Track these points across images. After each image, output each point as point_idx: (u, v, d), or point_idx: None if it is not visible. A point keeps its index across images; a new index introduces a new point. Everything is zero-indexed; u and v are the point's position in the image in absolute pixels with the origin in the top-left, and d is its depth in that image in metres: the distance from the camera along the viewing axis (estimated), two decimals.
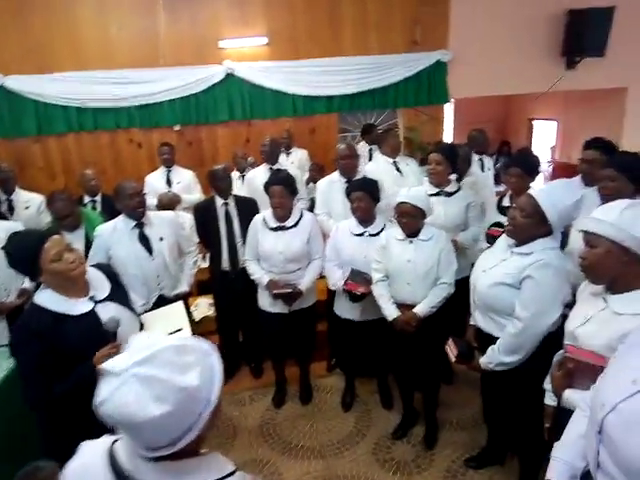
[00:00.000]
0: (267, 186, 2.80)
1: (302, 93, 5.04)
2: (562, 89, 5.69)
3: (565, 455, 1.25)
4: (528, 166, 2.66)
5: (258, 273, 2.90)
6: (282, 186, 2.74)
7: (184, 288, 2.88)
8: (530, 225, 1.92)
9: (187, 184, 4.30)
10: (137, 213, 2.65)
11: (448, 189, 2.92)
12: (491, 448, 2.58)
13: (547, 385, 1.75)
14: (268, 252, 2.83)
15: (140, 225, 2.68)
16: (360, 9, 4.98)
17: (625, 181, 2.28)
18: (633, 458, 1.01)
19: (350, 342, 2.94)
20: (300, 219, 2.85)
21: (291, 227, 2.82)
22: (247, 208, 3.14)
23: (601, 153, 2.63)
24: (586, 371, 1.48)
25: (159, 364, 0.81)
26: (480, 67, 5.25)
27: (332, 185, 3.32)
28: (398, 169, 3.72)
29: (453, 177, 3.08)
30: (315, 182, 3.98)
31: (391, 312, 2.52)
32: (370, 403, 3.17)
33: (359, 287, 2.63)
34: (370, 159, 4.48)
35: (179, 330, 2.07)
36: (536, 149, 7.86)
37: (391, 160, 3.74)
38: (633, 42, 5.38)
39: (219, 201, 3.17)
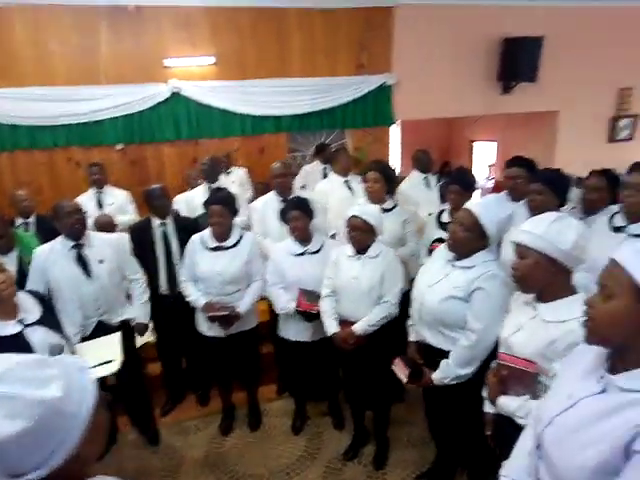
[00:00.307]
0: (206, 205, 2.73)
1: (251, 113, 5.04)
2: (500, 112, 6.02)
3: (512, 472, 1.25)
4: (466, 183, 2.76)
5: (194, 295, 2.78)
6: (221, 205, 2.67)
7: (131, 315, 2.74)
8: (471, 239, 1.97)
9: (120, 205, 4.12)
10: (75, 231, 2.52)
11: (385, 206, 2.96)
12: (440, 464, 2.57)
13: (485, 392, 1.78)
14: (205, 273, 2.73)
15: (78, 246, 2.55)
16: (307, 33, 5.08)
17: (551, 194, 2.44)
18: (565, 472, 1.02)
19: (298, 365, 2.87)
20: (240, 239, 2.78)
21: (230, 247, 2.74)
22: (187, 228, 3.01)
23: (524, 170, 2.79)
24: (519, 377, 1.53)
25: (9, 381, 0.76)
26: (423, 90, 5.48)
27: (267, 204, 3.29)
28: (350, 187, 3.76)
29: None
30: None
31: (331, 327, 2.50)
32: (322, 425, 3.10)
33: (314, 306, 2.59)
34: (324, 178, 4.51)
35: (108, 362, 1.99)
36: (476, 169, 8.25)
37: (343, 179, 3.78)
38: (561, 69, 5.80)
39: (156, 221, 3.05)
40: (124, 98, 4.62)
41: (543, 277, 1.51)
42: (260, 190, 4.39)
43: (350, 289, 2.47)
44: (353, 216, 2.43)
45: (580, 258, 1.51)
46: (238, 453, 2.89)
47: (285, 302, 2.69)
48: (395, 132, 7.89)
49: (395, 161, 7.00)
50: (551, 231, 1.49)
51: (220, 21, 4.83)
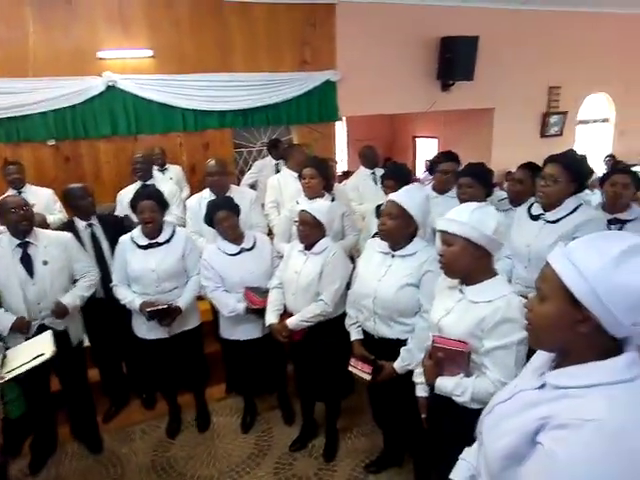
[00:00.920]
0: (134, 202, 2.62)
1: (193, 108, 4.90)
2: (440, 109, 6.23)
3: (468, 456, 1.28)
4: (401, 177, 2.85)
5: (129, 297, 2.66)
6: (152, 200, 2.59)
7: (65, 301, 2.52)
8: (401, 226, 2.05)
9: (45, 204, 3.83)
10: (20, 228, 2.41)
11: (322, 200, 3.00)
12: (388, 451, 2.64)
13: (416, 378, 1.86)
14: (139, 272, 2.63)
15: (25, 244, 2.42)
16: (248, 28, 5.01)
17: (479, 187, 2.60)
18: (489, 456, 1.05)
19: (245, 362, 2.83)
20: (173, 235, 2.70)
21: (163, 243, 2.67)
22: (115, 227, 2.89)
23: (453, 163, 2.99)
24: (453, 358, 1.60)
25: None
26: (366, 87, 5.56)
27: (202, 202, 3.16)
28: None
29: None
30: None
31: (269, 318, 2.53)
32: (272, 420, 3.08)
33: (266, 301, 2.58)
34: (277, 173, 4.47)
35: (41, 355, 1.92)
36: (419, 164, 8.52)
37: (296, 174, 3.77)
38: (495, 68, 6.09)
39: (80, 223, 2.90)
40: (55, 91, 4.34)
41: (469, 262, 1.60)
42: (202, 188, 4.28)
43: (292, 283, 2.49)
44: (302, 211, 2.44)
45: (500, 242, 1.61)
46: (186, 455, 2.82)
47: (233, 304, 2.64)
48: (341, 128, 7.98)
49: (342, 157, 7.07)
50: (474, 218, 1.57)
51: (157, 13, 4.66)
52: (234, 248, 2.68)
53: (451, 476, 1.26)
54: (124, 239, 2.70)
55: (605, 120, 7.72)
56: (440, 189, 3.04)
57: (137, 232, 2.68)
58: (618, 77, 7.21)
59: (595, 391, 0.87)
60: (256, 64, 5.10)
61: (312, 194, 3.00)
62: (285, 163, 3.95)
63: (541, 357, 1.09)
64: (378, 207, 3.04)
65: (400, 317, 2.09)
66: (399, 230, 2.06)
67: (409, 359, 2.06)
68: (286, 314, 2.53)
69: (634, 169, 3.01)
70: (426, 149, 8.49)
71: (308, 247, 2.49)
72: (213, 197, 3.09)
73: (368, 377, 2.12)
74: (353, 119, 7.72)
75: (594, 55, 6.85)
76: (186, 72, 4.83)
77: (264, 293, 2.60)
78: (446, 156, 3.09)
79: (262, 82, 5.08)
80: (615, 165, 6.59)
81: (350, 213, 3.23)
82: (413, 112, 6.16)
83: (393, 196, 2.09)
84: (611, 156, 7.19)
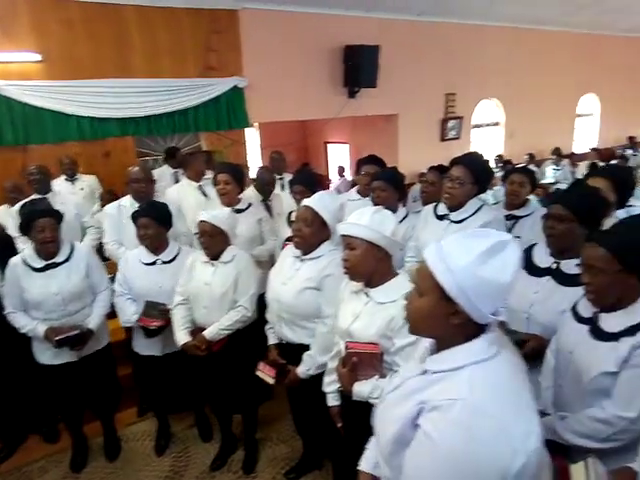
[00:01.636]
0: (28, 221, 2.36)
1: (90, 115, 4.61)
2: (348, 115, 6.43)
3: (373, 444, 1.31)
4: (309, 182, 2.90)
5: (29, 325, 2.43)
6: (49, 217, 2.39)
7: None
8: (314, 232, 2.06)
9: None
10: None
11: (239, 206, 2.97)
12: (308, 455, 2.65)
13: (326, 388, 1.88)
14: (39, 297, 2.40)
15: None
16: (148, 32, 4.82)
17: (392, 191, 2.68)
18: (382, 443, 1.10)
19: (157, 379, 2.71)
20: (72, 251, 2.52)
21: (63, 262, 2.47)
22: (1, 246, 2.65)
23: (376, 166, 3.05)
24: (367, 361, 1.61)
25: None
26: (275, 94, 5.59)
27: (123, 210, 3.05)
28: (204, 193, 3.66)
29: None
30: None
31: (180, 337, 2.42)
32: (189, 439, 2.97)
33: (153, 321, 2.45)
34: (176, 183, 4.31)
35: None
36: (332, 169, 8.73)
37: (196, 184, 3.66)
38: (396, 76, 6.41)
39: None
40: None
41: (371, 264, 1.65)
42: (106, 199, 4.04)
43: (203, 295, 2.40)
44: (202, 221, 2.37)
45: (399, 243, 1.68)
46: None
47: (130, 314, 2.52)
48: (253, 134, 7.94)
49: (255, 163, 7.03)
50: (374, 221, 1.63)
51: (45, 14, 4.33)
52: (150, 257, 2.57)
53: (359, 467, 1.31)
54: (15, 262, 2.44)
55: (496, 124, 8.46)
56: (364, 193, 3.10)
57: (29, 253, 2.44)
58: (506, 84, 7.92)
59: (462, 372, 0.96)
60: (158, 69, 4.92)
61: (227, 200, 2.94)
62: (183, 172, 3.80)
63: (423, 345, 1.17)
64: (289, 214, 3.06)
65: (302, 321, 2.11)
66: (313, 236, 2.07)
67: (310, 364, 2.08)
68: (197, 330, 2.45)
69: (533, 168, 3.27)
70: (338, 155, 8.71)
71: (214, 257, 2.43)
72: (135, 204, 2.95)
73: (271, 381, 2.13)
74: (266, 125, 7.72)
75: (485, 64, 7.48)
76: (81, 77, 4.53)
77: (162, 312, 2.47)
78: (369, 160, 3.16)
79: (165, 88, 4.91)
80: (505, 164, 7.25)
81: (268, 218, 3.21)
82: (322, 118, 6.28)
83: (308, 202, 2.09)
84: (499, 156, 7.89)
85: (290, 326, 2.17)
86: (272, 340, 2.30)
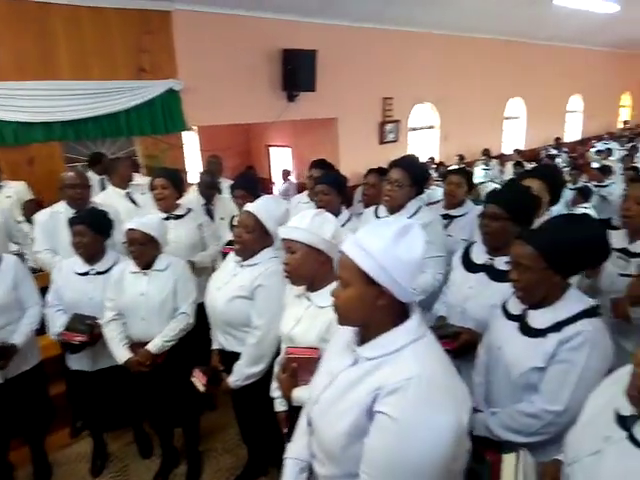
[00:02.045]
0: None
1: (10, 119, 4.30)
2: (288, 119, 6.43)
3: (293, 452, 1.33)
4: (250, 186, 2.87)
5: None
6: None
7: None
8: (255, 239, 2.04)
9: None
10: None
11: (177, 212, 2.89)
12: (253, 463, 2.62)
13: (274, 393, 1.85)
14: None
15: None
16: (75, 33, 4.56)
17: (335, 194, 2.71)
18: (328, 441, 1.12)
19: (91, 395, 2.57)
20: None
21: None
22: None
23: (321, 171, 3.08)
24: (306, 365, 1.60)
25: None
26: (214, 97, 5.50)
27: (57, 217, 2.88)
28: (132, 200, 3.52)
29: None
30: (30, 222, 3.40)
31: (121, 355, 2.31)
32: (128, 457, 2.84)
33: (76, 336, 2.31)
34: (103, 190, 4.11)
35: None
36: (275, 173, 8.70)
37: (123, 191, 3.51)
38: (334, 80, 6.49)
39: None
40: None
41: (312, 268, 1.65)
42: (30, 208, 3.79)
43: (139, 307, 2.31)
44: (130, 229, 2.27)
45: (339, 247, 1.69)
46: None
47: (59, 327, 2.38)
48: (192, 138, 7.76)
49: (195, 167, 6.86)
50: (314, 224, 1.63)
51: None
52: (83, 267, 2.44)
53: (283, 478, 1.31)
54: None
55: (431, 127, 8.79)
56: (311, 196, 3.08)
57: None
58: (439, 89, 8.25)
59: (403, 353, 1.04)
60: (86, 72, 4.68)
61: (164, 206, 2.85)
62: (109, 179, 3.63)
63: (342, 337, 1.21)
64: (232, 218, 3.02)
65: (232, 330, 2.09)
66: (254, 243, 2.04)
67: (239, 375, 2.05)
68: (135, 345, 2.34)
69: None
70: (280, 158, 8.70)
71: (146, 266, 2.34)
72: (70, 211, 2.80)
73: (202, 388, 2.09)
74: (205, 129, 7.56)
75: (419, 69, 7.75)
76: (1, 79, 4.22)
77: (89, 326, 2.34)
78: (317, 164, 3.17)
79: (94, 91, 4.67)
80: (438, 166, 7.57)
81: (210, 223, 3.14)
82: (262, 122, 6.25)
83: (250, 207, 2.06)
84: (431, 158, 8.24)
85: (223, 333, 2.14)
86: (215, 345, 2.26)
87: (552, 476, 1.22)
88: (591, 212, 4.91)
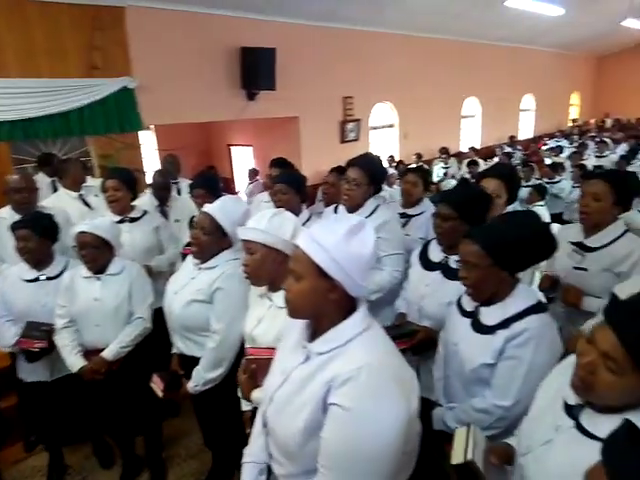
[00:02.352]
0: None
1: None
2: (249, 118, 6.37)
3: (250, 455, 1.31)
4: (210, 186, 2.82)
5: None
6: None
7: None
8: (213, 241, 2.00)
9: None
10: None
11: (132, 215, 2.82)
12: (218, 467, 2.58)
13: (239, 393, 1.84)
14: None
15: None
16: (21, 28, 4.35)
17: (293, 193, 2.69)
18: (284, 440, 1.12)
19: (47, 407, 2.46)
20: None
21: None
22: None
23: (279, 170, 3.06)
24: (266, 366, 1.58)
25: None
26: (171, 95, 5.37)
27: (1, 223, 2.75)
28: (86, 202, 3.39)
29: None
30: None
31: (74, 363, 2.22)
32: (87, 469, 2.74)
33: (35, 343, 2.23)
34: (54, 192, 3.94)
35: None
36: (236, 173, 8.59)
37: (75, 194, 3.38)
38: (295, 79, 6.48)
39: None
40: None
41: (272, 268, 1.64)
42: None
43: (93, 312, 2.23)
44: (81, 232, 2.19)
45: None
46: None
47: (9, 338, 2.27)
48: (149, 137, 7.56)
49: (152, 167, 6.69)
50: (273, 225, 1.62)
51: None
52: (31, 273, 2.33)
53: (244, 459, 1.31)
54: None
55: (391, 126, 8.92)
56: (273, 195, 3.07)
57: None
58: (398, 88, 8.38)
59: (352, 344, 1.07)
60: (34, 69, 4.47)
61: (118, 208, 2.76)
62: (60, 181, 3.49)
63: (292, 335, 1.23)
64: (191, 219, 2.95)
65: (190, 334, 2.05)
66: (211, 245, 2.00)
67: (198, 380, 2.01)
68: (89, 352, 2.26)
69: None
70: (242, 157, 8.60)
71: (99, 271, 2.26)
72: (16, 216, 2.64)
73: (160, 394, 2.04)
74: (163, 128, 7.39)
75: (378, 69, 7.84)
76: None
77: (46, 333, 2.26)
78: (275, 163, 3.14)
79: (43, 89, 4.46)
80: (398, 164, 7.69)
81: (166, 226, 3.06)
82: (222, 120, 6.16)
83: (208, 208, 2.02)
84: (391, 157, 8.38)
85: (181, 337, 2.09)
86: (175, 349, 2.20)
87: (500, 453, 1.26)
88: (543, 210, 5.09)
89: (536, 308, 1.47)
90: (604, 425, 0.94)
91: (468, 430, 1.30)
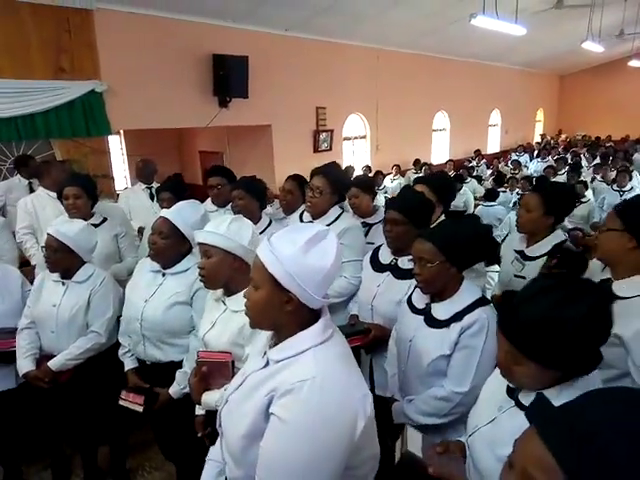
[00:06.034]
0: None
1: None
2: (219, 125, 6.33)
3: (213, 454, 1.33)
4: (176, 189, 2.80)
5: None
6: None
7: None
8: (172, 245, 1.99)
9: None
10: None
11: (92, 221, 2.74)
12: (183, 478, 2.51)
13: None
14: None
15: None
16: None
17: (250, 199, 2.71)
18: (232, 442, 1.10)
19: (8, 419, 2.34)
20: None
21: None
22: None
23: (222, 177, 3.04)
24: (218, 370, 1.60)
25: None
26: (141, 100, 5.30)
27: None
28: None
29: None
30: None
31: (22, 366, 2.16)
32: None
33: (13, 342, 2.18)
34: (31, 193, 3.83)
35: None
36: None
37: (54, 194, 3.29)
38: (268, 87, 6.51)
39: None
40: None
41: (227, 273, 1.65)
42: None
43: (50, 318, 2.16)
44: (48, 234, 2.14)
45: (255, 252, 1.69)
46: None
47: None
48: (116, 142, 7.42)
49: (120, 172, 6.56)
50: (231, 230, 1.63)
51: None
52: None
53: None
54: None
55: (363, 137, 9.04)
56: (217, 203, 3.07)
57: None
58: (370, 100, 8.52)
59: (305, 355, 1.04)
60: None
61: (78, 214, 2.67)
62: (40, 182, 3.44)
63: (261, 340, 1.22)
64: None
65: (171, 338, 2.01)
66: (170, 249, 1.99)
67: (184, 382, 1.97)
68: (45, 357, 2.18)
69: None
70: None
71: (66, 276, 2.20)
72: None
73: (140, 408, 1.97)
74: (132, 133, 7.26)
75: (350, 81, 7.96)
76: None
77: (7, 334, 2.19)
78: (213, 170, 3.13)
79: (7, 90, 4.33)
80: (377, 175, 7.78)
81: (126, 233, 2.99)
82: (193, 127, 6.11)
83: (165, 213, 2.02)
84: (367, 167, 8.49)
85: (157, 345, 2.04)
86: (129, 364, 2.14)
87: (453, 448, 1.29)
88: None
89: (482, 301, 1.62)
90: None
91: (403, 431, 1.37)
